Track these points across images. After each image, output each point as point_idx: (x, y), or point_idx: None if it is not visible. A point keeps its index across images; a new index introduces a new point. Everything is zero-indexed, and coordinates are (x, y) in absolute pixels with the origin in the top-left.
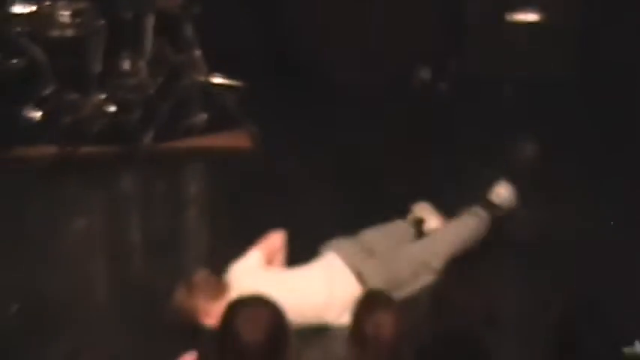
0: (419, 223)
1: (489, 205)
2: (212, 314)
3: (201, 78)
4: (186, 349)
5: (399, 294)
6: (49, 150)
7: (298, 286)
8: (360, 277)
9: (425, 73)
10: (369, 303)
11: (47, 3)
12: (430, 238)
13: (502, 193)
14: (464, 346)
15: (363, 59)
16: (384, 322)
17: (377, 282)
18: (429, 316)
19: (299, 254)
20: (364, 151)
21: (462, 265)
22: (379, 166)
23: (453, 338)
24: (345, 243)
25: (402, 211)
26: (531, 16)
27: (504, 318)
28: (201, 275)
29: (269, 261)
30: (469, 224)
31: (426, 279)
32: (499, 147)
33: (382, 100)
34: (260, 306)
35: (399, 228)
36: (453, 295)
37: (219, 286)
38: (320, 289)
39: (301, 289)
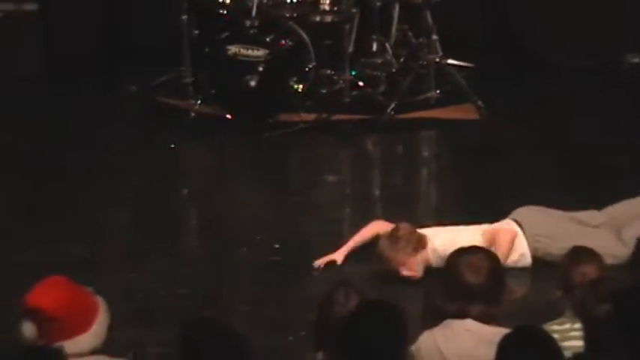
0: None
1: None
2: (409, 266)
3: (437, 59)
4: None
5: None
6: (308, 116)
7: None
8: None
9: (633, 58)
10: (576, 256)
11: None
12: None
13: None
14: None
15: (578, 44)
16: (588, 272)
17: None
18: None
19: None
20: (576, 126)
21: None
22: (589, 141)
23: None
24: (525, 209)
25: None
26: None
27: None
28: (404, 229)
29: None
30: None
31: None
32: None
33: (593, 80)
34: (479, 253)
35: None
36: None
37: (420, 241)
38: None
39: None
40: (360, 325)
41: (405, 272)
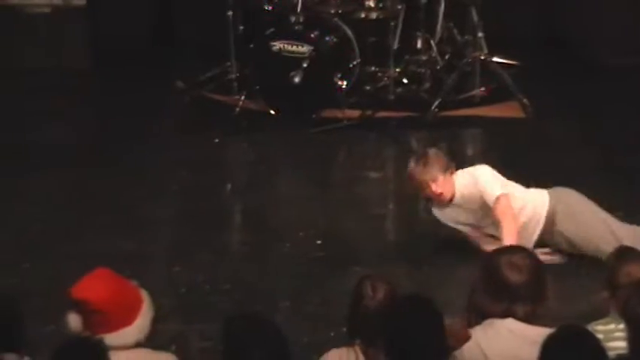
0: None
1: None
2: (440, 184)
3: (482, 56)
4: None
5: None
6: (352, 112)
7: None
8: (551, 216)
9: None
10: (622, 256)
11: None
12: None
13: None
14: None
15: (626, 42)
16: (634, 272)
17: (565, 229)
18: None
19: None
20: (623, 125)
21: None
22: (632, 140)
23: None
24: (564, 190)
25: None
26: None
27: None
28: (434, 151)
29: None
30: None
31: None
32: None
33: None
34: (519, 252)
35: None
36: None
37: (450, 164)
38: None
39: None
40: (399, 321)
41: (434, 188)
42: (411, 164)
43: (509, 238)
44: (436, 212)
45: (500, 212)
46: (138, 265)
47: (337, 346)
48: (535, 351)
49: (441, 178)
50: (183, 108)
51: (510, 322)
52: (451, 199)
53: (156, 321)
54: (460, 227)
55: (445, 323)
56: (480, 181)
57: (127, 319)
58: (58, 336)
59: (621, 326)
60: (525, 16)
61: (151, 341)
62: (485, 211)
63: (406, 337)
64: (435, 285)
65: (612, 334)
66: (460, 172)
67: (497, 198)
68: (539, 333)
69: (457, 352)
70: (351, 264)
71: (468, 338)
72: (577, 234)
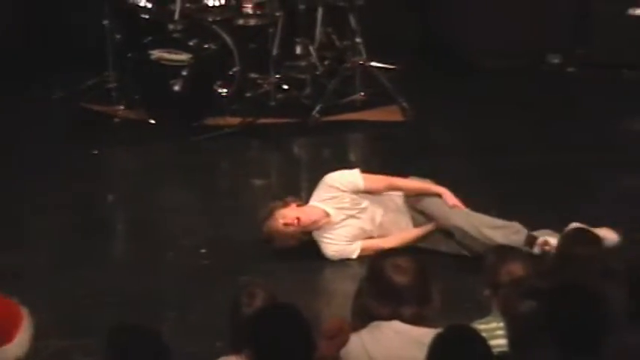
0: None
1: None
2: (308, 215)
3: (361, 61)
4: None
5: None
6: (234, 120)
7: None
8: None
9: (554, 58)
10: (501, 255)
11: None
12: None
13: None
14: (580, 293)
15: (501, 45)
16: (514, 271)
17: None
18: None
19: None
20: (499, 126)
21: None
22: (512, 140)
23: (571, 286)
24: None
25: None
26: None
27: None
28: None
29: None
30: (505, 233)
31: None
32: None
33: (517, 81)
34: (403, 255)
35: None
36: (574, 250)
37: (289, 199)
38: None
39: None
40: (258, 329)
41: (292, 214)
42: (265, 230)
43: (416, 186)
44: (328, 244)
45: (380, 182)
46: (18, 280)
47: (222, 356)
48: (421, 352)
49: (287, 210)
50: (62, 119)
51: (396, 324)
52: (329, 218)
53: (36, 337)
54: (357, 245)
55: (324, 327)
56: (333, 179)
57: (5, 337)
58: None
59: (502, 324)
60: (405, 20)
61: (31, 358)
62: (376, 201)
63: (271, 346)
64: (320, 291)
65: (494, 332)
66: (312, 198)
67: (363, 177)
68: (425, 333)
69: (343, 355)
70: (237, 273)
71: (347, 334)
72: (428, 207)
